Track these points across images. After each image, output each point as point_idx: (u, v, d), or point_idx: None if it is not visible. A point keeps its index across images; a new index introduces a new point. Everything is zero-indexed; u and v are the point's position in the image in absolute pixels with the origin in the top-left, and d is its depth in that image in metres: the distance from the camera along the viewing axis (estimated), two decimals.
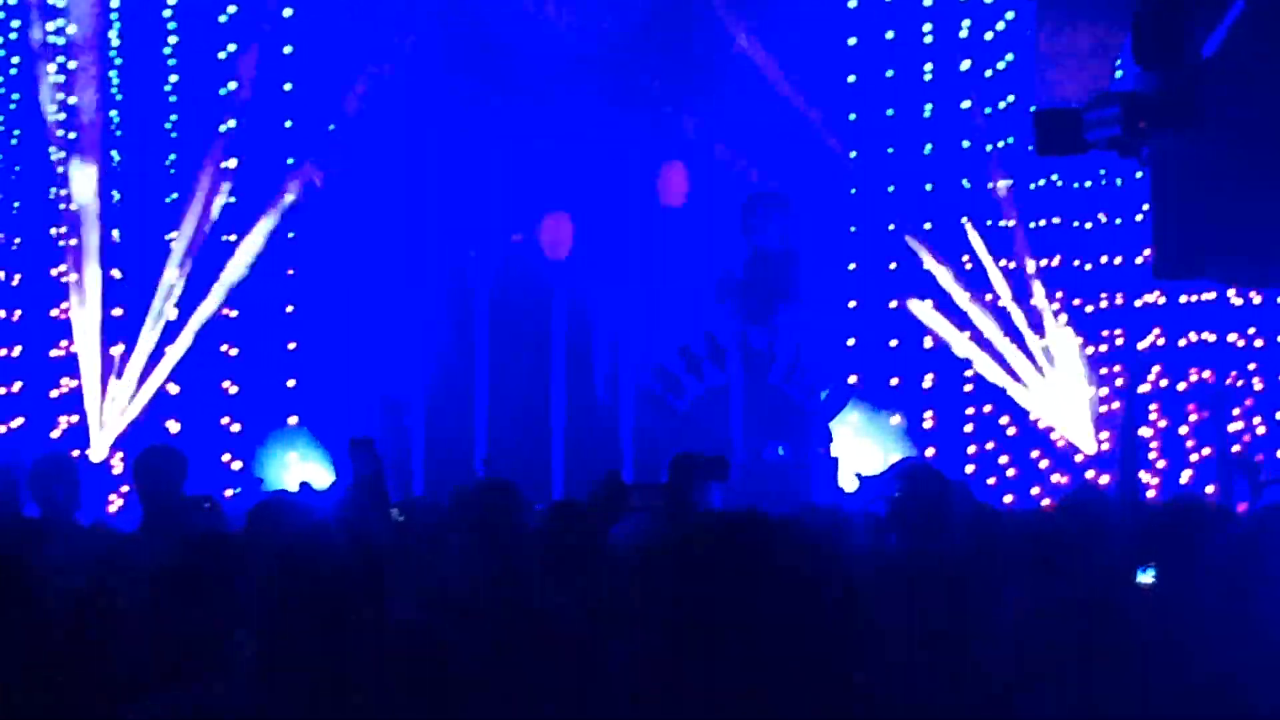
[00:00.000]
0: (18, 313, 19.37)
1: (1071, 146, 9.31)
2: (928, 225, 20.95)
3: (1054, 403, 20.40)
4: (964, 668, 5.41)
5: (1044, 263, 20.68)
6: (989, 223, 20.84)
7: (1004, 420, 20.70)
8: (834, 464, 19.10)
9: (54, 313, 19.37)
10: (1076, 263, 20.68)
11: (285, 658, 4.89)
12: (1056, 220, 20.75)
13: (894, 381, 20.79)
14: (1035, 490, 19.85)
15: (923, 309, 20.74)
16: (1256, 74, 9.39)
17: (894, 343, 20.95)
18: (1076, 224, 20.66)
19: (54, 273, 19.37)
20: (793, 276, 20.58)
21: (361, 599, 5.07)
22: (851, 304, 21.09)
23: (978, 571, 7.41)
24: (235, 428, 19.70)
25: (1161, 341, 20.50)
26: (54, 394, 19.30)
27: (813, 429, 19.77)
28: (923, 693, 5.11)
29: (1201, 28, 9.15)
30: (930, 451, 20.13)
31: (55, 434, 19.09)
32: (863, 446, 19.64)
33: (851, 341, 20.96)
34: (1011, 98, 20.39)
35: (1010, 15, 20.40)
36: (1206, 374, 20.41)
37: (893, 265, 21.03)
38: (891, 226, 21.02)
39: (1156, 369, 20.49)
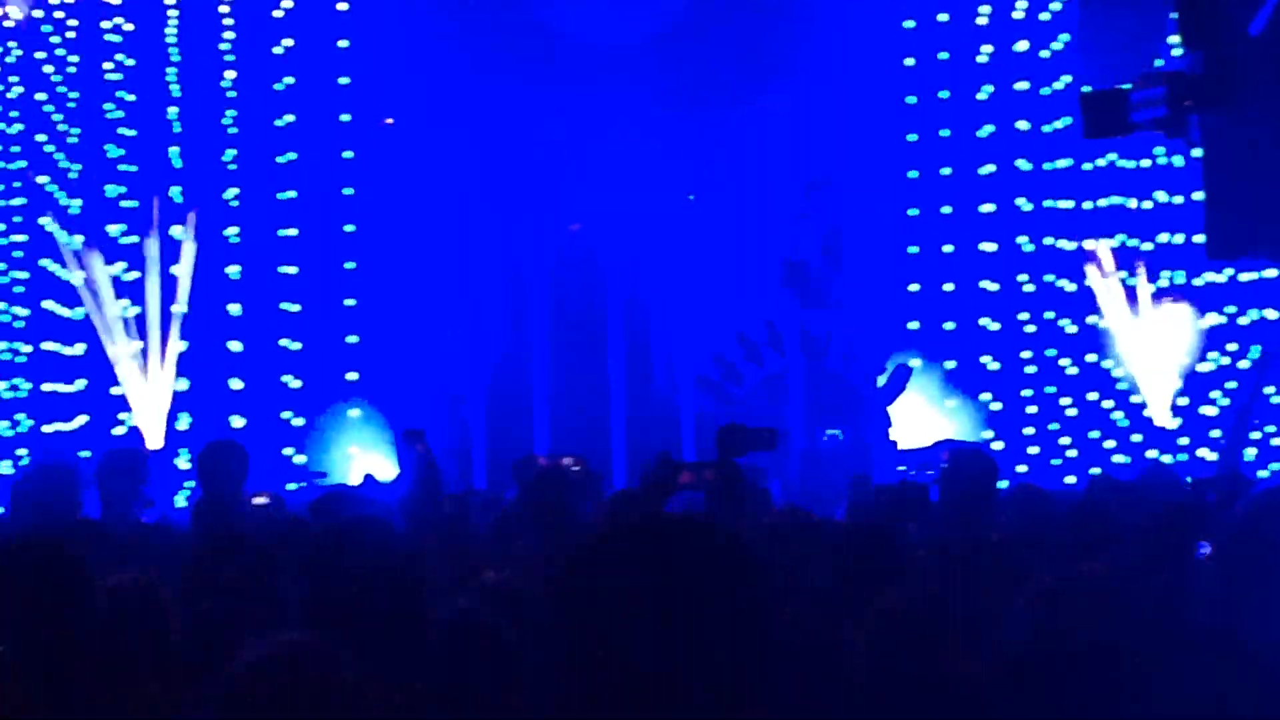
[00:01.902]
0: (80, 310, 19.45)
1: (1119, 128, 9.30)
2: (988, 207, 20.89)
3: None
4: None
5: (1106, 242, 20.60)
6: (1048, 203, 20.79)
7: (1065, 401, 20.63)
8: (893, 447, 19.08)
9: (114, 311, 19.47)
10: (1134, 242, 20.57)
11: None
12: (1117, 200, 20.65)
13: (950, 365, 20.70)
14: (1096, 470, 19.77)
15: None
16: None
17: (950, 325, 20.87)
18: (1134, 204, 20.54)
19: (114, 271, 19.47)
20: (845, 261, 20.62)
21: (402, 595, 5.10)
22: (914, 287, 21.03)
23: (1019, 552, 7.43)
24: (298, 422, 19.79)
25: (1224, 320, 20.39)
26: (115, 391, 19.41)
27: (871, 413, 19.75)
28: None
29: (1246, 5, 9.13)
30: (989, 433, 20.10)
31: (119, 431, 19.22)
32: (923, 428, 19.60)
33: (915, 325, 20.90)
34: (1068, 78, 20.28)
35: None
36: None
37: (948, 248, 20.95)
38: (948, 209, 20.96)
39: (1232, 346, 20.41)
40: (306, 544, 5.38)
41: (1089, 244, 20.46)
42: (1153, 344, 20.25)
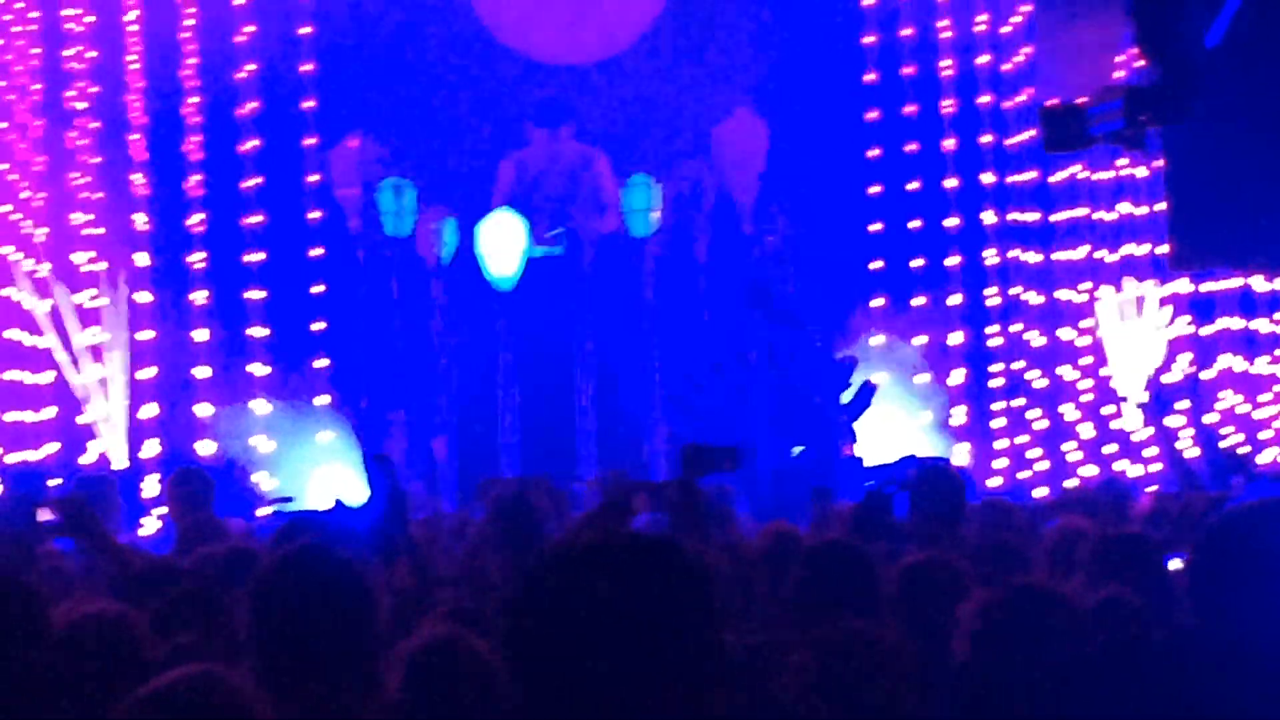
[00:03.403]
0: (44, 339, 19.38)
1: (1078, 141, 9.32)
2: (953, 221, 20.91)
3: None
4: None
5: (1071, 254, 20.66)
6: (1013, 216, 20.82)
7: (1033, 414, 20.66)
8: (859, 463, 19.07)
9: (79, 338, 19.40)
10: (1100, 254, 20.63)
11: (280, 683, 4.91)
12: (1082, 212, 20.70)
13: (918, 379, 20.70)
14: (1072, 483, 19.81)
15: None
16: (1260, 62, 9.40)
17: (920, 339, 20.87)
18: (1099, 215, 20.59)
19: (79, 298, 19.40)
20: (800, 279, 20.69)
21: (352, 623, 5.07)
22: (877, 302, 21.03)
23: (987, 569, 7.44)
24: (267, 447, 19.72)
25: (1190, 329, 20.47)
26: (82, 419, 19.35)
27: (836, 429, 19.75)
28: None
29: (1202, 17, 9.15)
30: (959, 447, 20.14)
31: (87, 459, 19.15)
32: (890, 443, 19.61)
33: (880, 340, 20.90)
34: (1031, 91, 20.32)
35: (1026, 9, 20.36)
36: (1236, 361, 20.40)
37: (916, 262, 20.96)
38: (915, 224, 20.98)
39: (1188, 356, 20.49)
40: (254, 574, 5.35)
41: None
42: (1131, 352, 20.34)
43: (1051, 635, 4.69)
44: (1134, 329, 20.31)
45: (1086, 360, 20.66)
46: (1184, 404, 20.44)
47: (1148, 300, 20.42)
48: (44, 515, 8.28)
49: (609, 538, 3.20)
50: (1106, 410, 20.47)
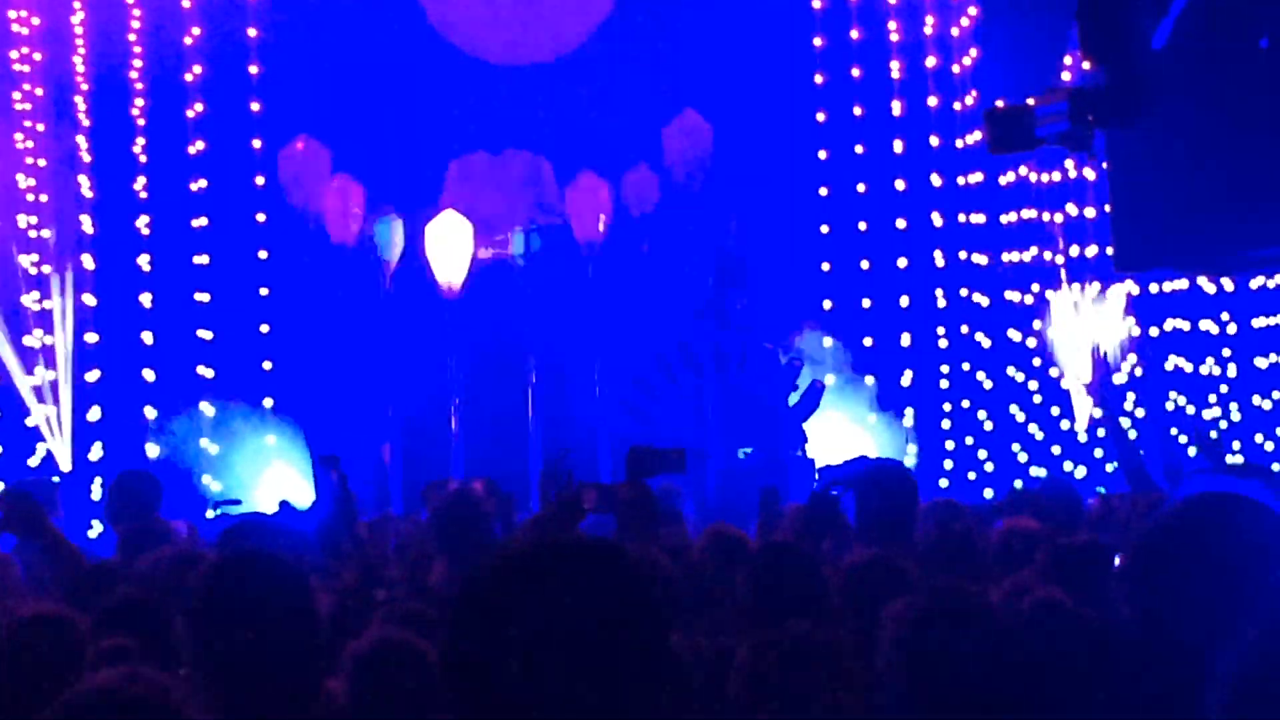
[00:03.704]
0: None
1: (1024, 143, 9.33)
2: (901, 223, 20.96)
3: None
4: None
5: (1018, 256, 20.73)
6: (961, 218, 20.87)
7: (981, 415, 20.73)
8: (809, 464, 19.11)
9: (27, 340, 19.31)
10: (1048, 255, 20.70)
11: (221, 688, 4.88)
12: (1030, 214, 20.76)
13: (869, 380, 20.75)
14: (1019, 484, 19.86)
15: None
16: (1204, 65, 9.42)
17: (869, 341, 20.92)
18: (1047, 216, 20.65)
19: (26, 300, 19.31)
20: (748, 278, 20.73)
21: (294, 628, 5.04)
22: (827, 304, 21.06)
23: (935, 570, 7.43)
24: (214, 449, 19.65)
25: (1136, 331, 20.54)
26: (29, 422, 19.27)
27: (786, 430, 19.78)
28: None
29: (1148, 19, 9.18)
30: (909, 448, 20.18)
31: (33, 461, 19.07)
32: (839, 444, 19.64)
33: (829, 342, 20.93)
34: (977, 93, 20.39)
35: (973, 11, 20.41)
36: (1182, 362, 20.49)
37: (865, 264, 21.01)
38: (863, 225, 21.02)
39: (1133, 358, 20.56)
40: (192, 579, 5.30)
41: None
42: (1081, 350, 20.38)
43: (970, 640, 4.68)
44: (1081, 330, 20.36)
45: (1034, 361, 20.72)
46: (1130, 403, 20.51)
47: (1094, 301, 20.48)
48: None
49: (550, 541, 3.19)
50: (1054, 411, 20.54)
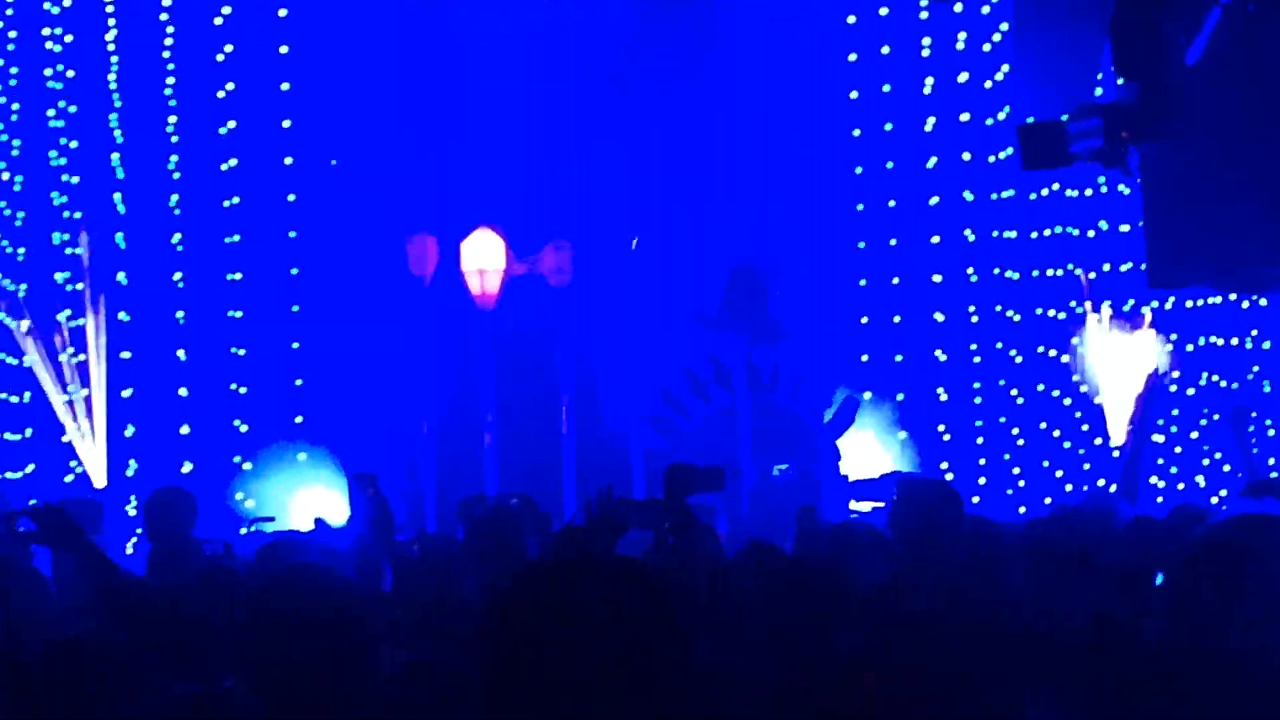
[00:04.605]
0: (27, 359, 19.32)
1: (1057, 159, 9.31)
2: (935, 239, 20.95)
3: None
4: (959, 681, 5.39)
5: (1051, 272, 20.68)
6: (995, 234, 20.85)
7: (1015, 431, 20.68)
8: (843, 481, 19.07)
9: (62, 358, 19.35)
10: (1080, 271, 20.63)
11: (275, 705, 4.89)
12: (1059, 230, 20.71)
13: (900, 397, 20.74)
14: (1048, 500, 19.79)
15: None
16: (1238, 80, 9.39)
17: (899, 357, 20.91)
18: (1077, 232, 20.59)
19: (60, 318, 19.35)
20: (777, 292, 20.73)
21: (343, 643, 5.05)
22: (864, 320, 21.08)
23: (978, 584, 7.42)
24: (247, 466, 19.69)
25: (1170, 347, 20.45)
26: (65, 439, 19.30)
27: (820, 447, 19.75)
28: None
29: (1181, 35, 9.16)
30: (942, 465, 20.14)
31: (69, 479, 19.10)
32: (875, 461, 19.60)
33: (865, 358, 20.94)
34: (1010, 109, 20.33)
35: (1005, 26, 20.36)
36: (1217, 379, 20.40)
37: (895, 280, 21.00)
38: (894, 241, 21.01)
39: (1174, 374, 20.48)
40: (239, 593, 5.33)
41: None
42: (1117, 368, 20.27)
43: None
44: (1116, 346, 20.27)
45: (1073, 378, 20.64)
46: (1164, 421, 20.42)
47: (1130, 318, 20.39)
48: (18, 526, 8.21)
49: (577, 560, 3.21)
50: (1085, 428, 20.47)
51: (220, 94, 20.11)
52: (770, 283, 21.37)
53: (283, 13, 20.31)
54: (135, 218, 19.82)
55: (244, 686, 5.05)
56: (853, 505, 15.03)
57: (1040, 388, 20.72)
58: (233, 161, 20.08)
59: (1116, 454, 19.81)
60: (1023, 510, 19.19)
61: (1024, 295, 20.76)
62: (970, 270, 20.90)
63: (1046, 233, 20.70)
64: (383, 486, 9.99)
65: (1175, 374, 20.29)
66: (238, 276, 20.05)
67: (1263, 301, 19.67)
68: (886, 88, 21.05)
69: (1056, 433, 20.61)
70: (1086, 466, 20.27)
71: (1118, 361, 20.07)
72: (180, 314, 19.85)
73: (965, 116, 20.82)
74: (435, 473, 20.79)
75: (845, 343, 21.06)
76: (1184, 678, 4.38)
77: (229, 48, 20.20)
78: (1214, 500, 18.11)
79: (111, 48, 19.84)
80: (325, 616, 5.01)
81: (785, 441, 20.09)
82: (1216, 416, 20.14)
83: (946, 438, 20.72)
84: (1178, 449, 20.38)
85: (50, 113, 19.65)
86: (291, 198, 20.29)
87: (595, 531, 8.35)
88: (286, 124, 20.29)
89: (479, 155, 20.98)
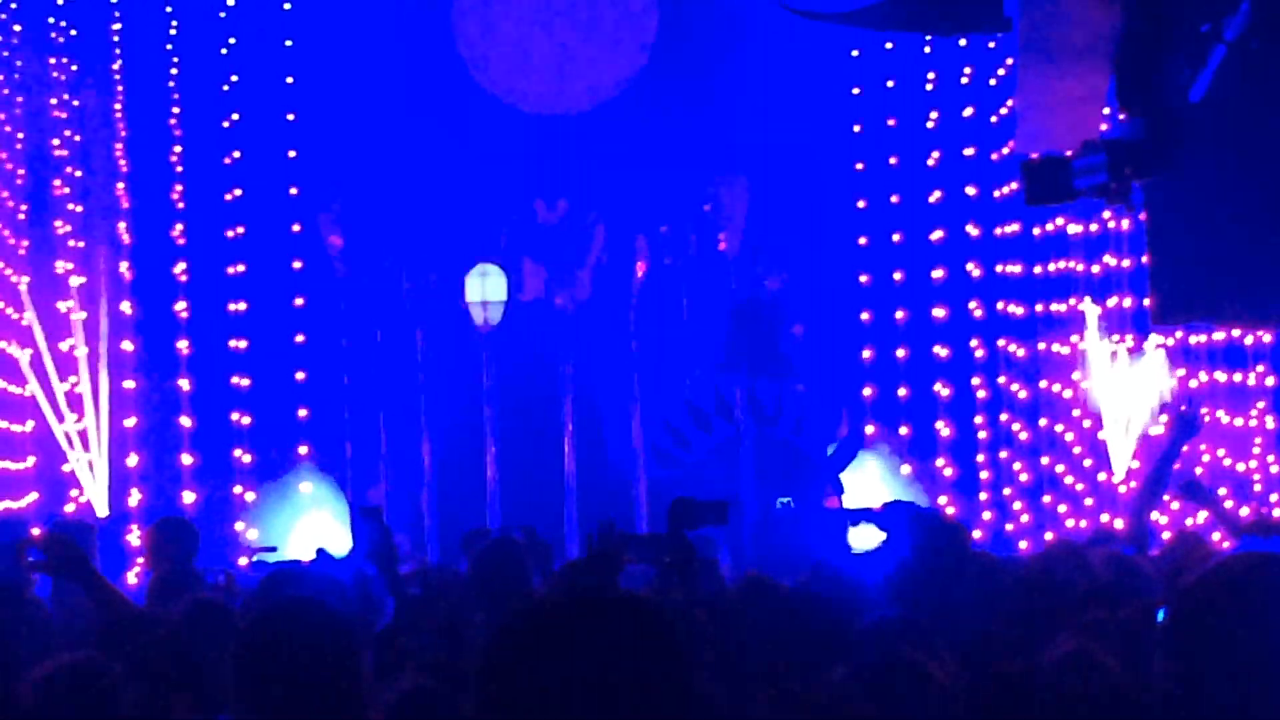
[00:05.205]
0: (28, 388, 19.29)
1: (1061, 195, 9.30)
2: (938, 273, 20.96)
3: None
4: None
5: (1055, 307, 20.67)
6: (998, 268, 20.86)
7: (1018, 466, 20.66)
8: (845, 514, 19.01)
9: (63, 386, 19.32)
10: (1085, 306, 20.62)
11: None
12: (1064, 264, 20.70)
13: (902, 430, 20.75)
14: (1049, 536, 19.76)
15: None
16: (1243, 116, 9.39)
17: (903, 391, 20.91)
18: (1081, 267, 20.58)
19: (63, 346, 19.32)
20: (784, 328, 20.74)
21: (344, 679, 5.05)
22: (866, 354, 21.09)
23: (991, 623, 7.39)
24: (249, 496, 19.69)
25: (1175, 383, 20.42)
26: (66, 468, 19.26)
27: (823, 480, 19.74)
28: None
29: (1186, 71, 9.16)
30: (943, 499, 20.12)
31: (70, 508, 19.06)
32: (877, 495, 19.57)
33: (868, 391, 20.96)
34: (1014, 142, 20.32)
35: (1010, 61, 20.35)
36: (1220, 414, 20.36)
37: (900, 314, 21.01)
38: (898, 276, 21.03)
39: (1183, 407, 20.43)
40: (232, 626, 5.32)
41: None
42: (1124, 403, 20.25)
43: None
44: (1120, 382, 20.26)
45: (1071, 413, 20.63)
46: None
47: (1133, 353, 20.38)
48: (28, 555, 8.19)
49: (579, 595, 3.20)
50: (1090, 463, 20.44)
51: (225, 124, 20.15)
52: (781, 318, 21.36)
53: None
54: (140, 246, 19.81)
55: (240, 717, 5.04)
56: (853, 533, 15.03)
57: (1043, 422, 20.71)
58: (237, 192, 20.10)
59: (1123, 489, 19.80)
60: (1024, 545, 19.20)
61: (1028, 329, 20.75)
62: (974, 304, 20.90)
63: (1051, 267, 20.68)
64: (386, 518, 9.99)
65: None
66: (242, 307, 20.07)
67: (1266, 337, 19.64)
68: (891, 121, 21.08)
69: (1060, 468, 20.57)
70: (1089, 502, 20.21)
71: (1125, 396, 20.06)
72: (184, 343, 19.85)
73: (970, 150, 20.83)
74: (438, 503, 20.78)
75: (848, 376, 21.06)
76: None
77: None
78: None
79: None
80: (318, 650, 5.00)
81: (788, 475, 20.07)
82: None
83: (948, 472, 20.70)
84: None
85: (55, 142, 19.65)
86: (296, 228, 20.32)
87: (597, 566, 8.33)
88: (292, 154, 20.32)
89: (483, 179, 21.01)
